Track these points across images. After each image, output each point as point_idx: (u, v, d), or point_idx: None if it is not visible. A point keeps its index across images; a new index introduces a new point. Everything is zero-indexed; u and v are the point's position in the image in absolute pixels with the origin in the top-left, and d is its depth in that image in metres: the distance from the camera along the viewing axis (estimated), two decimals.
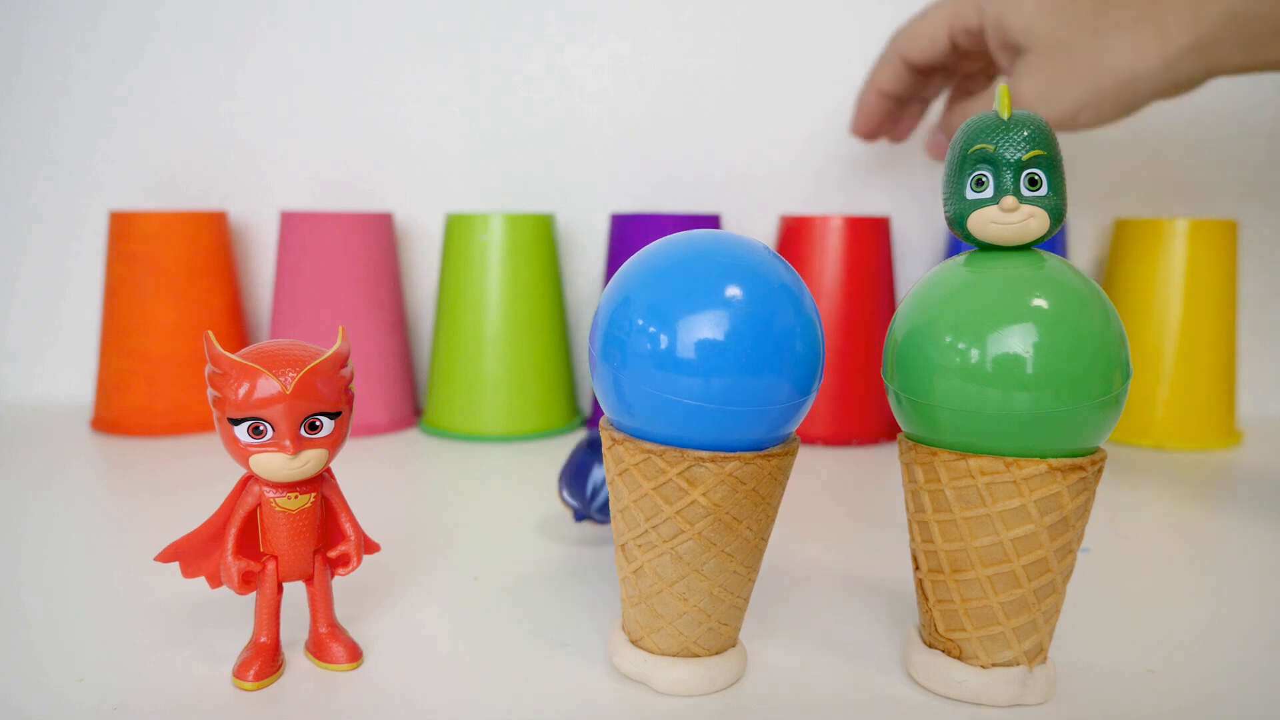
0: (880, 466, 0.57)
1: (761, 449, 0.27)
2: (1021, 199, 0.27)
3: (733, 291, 0.26)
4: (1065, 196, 0.28)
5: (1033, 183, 0.27)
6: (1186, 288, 0.62)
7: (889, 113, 0.61)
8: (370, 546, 0.32)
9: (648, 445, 0.27)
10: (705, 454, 0.27)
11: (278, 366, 0.27)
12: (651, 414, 0.27)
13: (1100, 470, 0.27)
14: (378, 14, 0.71)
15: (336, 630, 0.31)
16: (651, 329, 0.26)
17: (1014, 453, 0.26)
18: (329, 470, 0.30)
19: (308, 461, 0.28)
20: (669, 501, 0.27)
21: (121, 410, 0.63)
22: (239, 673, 0.29)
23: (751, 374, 0.26)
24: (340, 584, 0.34)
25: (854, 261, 0.62)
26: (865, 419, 0.63)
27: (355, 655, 0.31)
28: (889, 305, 0.64)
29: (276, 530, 0.29)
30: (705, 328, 0.26)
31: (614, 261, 0.65)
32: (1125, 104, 0.51)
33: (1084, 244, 0.73)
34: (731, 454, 0.27)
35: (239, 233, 0.73)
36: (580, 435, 0.58)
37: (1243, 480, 0.56)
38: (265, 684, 0.29)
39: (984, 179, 0.27)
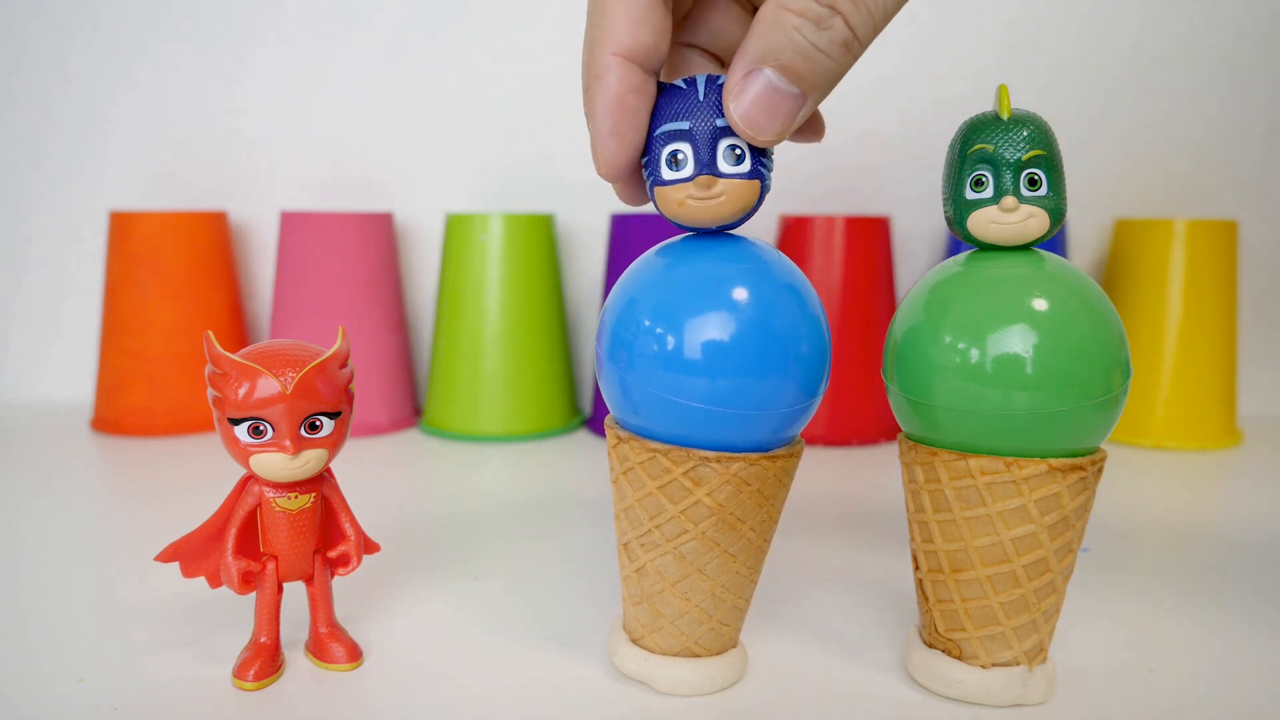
0: (880, 466, 0.57)
1: (767, 450, 0.27)
2: (1021, 199, 0.27)
3: (739, 293, 0.26)
4: (1065, 196, 0.27)
5: (1032, 183, 0.27)
6: (1186, 288, 0.62)
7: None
8: (370, 546, 0.32)
9: (653, 444, 0.27)
10: (710, 454, 0.27)
11: (278, 366, 0.27)
12: (657, 414, 0.27)
13: (1100, 470, 0.27)
14: (378, 14, 0.71)
15: (336, 630, 0.31)
16: (658, 330, 0.26)
17: (1014, 453, 0.26)
18: (329, 470, 0.30)
19: (308, 461, 0.28)
20: (673, 501, 0.27)
21: (121, 410, 0.63)
22: (239, 673, 0.29)
23: (757, 376, 0.26)
24: (340, 584, 0.34)
25: (854, 261, 0.62)
26: (865, 419, 0.63)
27: (355, 655, 0.31)
28: (889, 305, 0.64)
29: (276, 530, 0.29)
30: (711, 329, 0.26)
31: (614, 261, 0.65)
32: None
33: (1084, 244, 0.73)
34: (737, 454, 0.27)
35: (239, 233, 0.73)
36: None
37: (1243, 480, 0.56)
38: (265, 684, 0.29)
39: (983, 179, 0.27)
